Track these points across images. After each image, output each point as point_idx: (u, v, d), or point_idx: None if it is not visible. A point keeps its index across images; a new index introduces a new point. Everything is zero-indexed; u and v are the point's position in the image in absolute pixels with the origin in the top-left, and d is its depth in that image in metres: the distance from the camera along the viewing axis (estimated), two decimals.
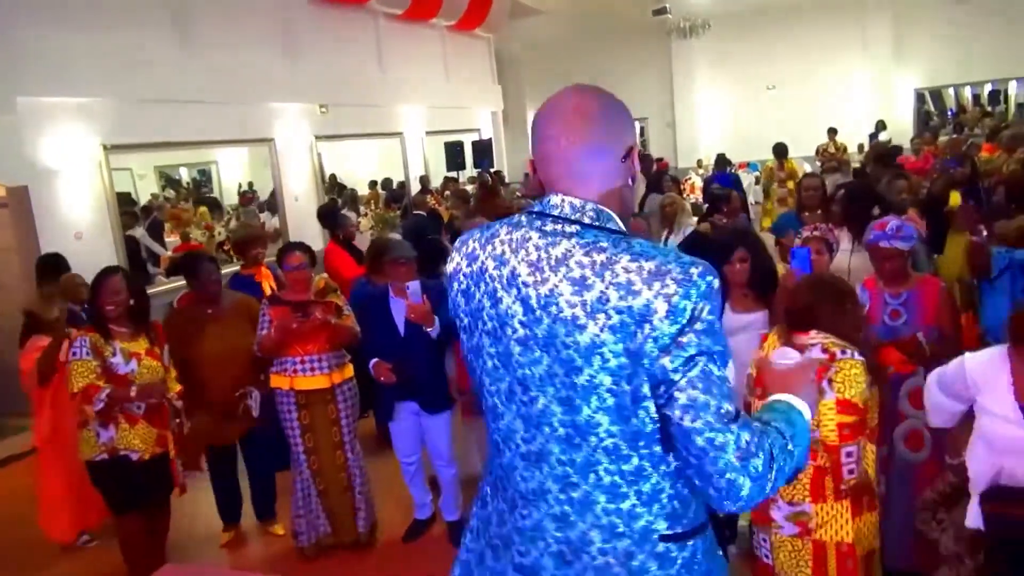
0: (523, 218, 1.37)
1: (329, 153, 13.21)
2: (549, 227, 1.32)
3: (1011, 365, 2.28)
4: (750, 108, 16.56)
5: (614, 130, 1.35)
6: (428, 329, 3.60)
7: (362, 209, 10.57)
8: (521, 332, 1.30)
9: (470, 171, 13.00)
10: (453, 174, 12.25)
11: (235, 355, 3.90)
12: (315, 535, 3.94)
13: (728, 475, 1.20)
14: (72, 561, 4.24)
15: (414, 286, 3.53)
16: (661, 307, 1.19)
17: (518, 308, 1.30)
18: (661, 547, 1.32)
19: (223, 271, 4.49)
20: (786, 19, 15.79)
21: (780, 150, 10.07)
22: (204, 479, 4.26)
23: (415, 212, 7.95)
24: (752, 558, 2.72)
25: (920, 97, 16.28)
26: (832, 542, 2.46)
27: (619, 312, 1.20)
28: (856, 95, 15.75)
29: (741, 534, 3.40)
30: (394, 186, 12.06)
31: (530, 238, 1.32)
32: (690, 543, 1.35)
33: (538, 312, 1.27)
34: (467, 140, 13.24)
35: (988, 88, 16.79)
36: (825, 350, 2.43)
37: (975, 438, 2.41)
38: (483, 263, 1.37)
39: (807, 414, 1.40)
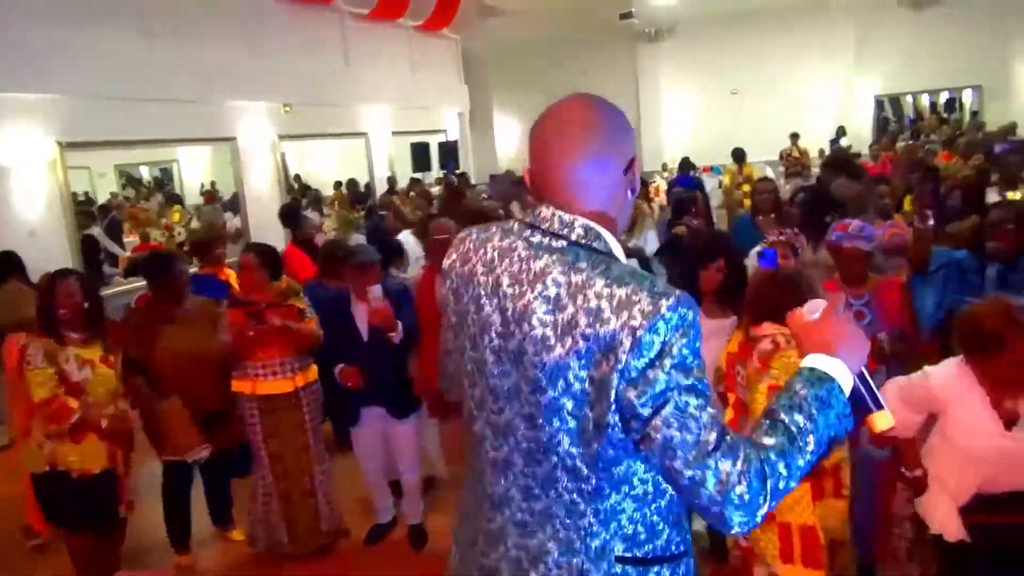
0: (515, 225, 1.36)
1: (293, 153, 13.10)
2: (535, 239, 1.30)
3: (977, 377, 2.30)
4: (714, 113, 16.76)
5: (616, 142, 1.31)
6: (391, 334, 3.56)
7: (325, 210, 10.48)
8: (496, 342, 1.30)
9: (436, 172, 12.96)
10: (419, 175, 12.20)
11: (200, 356, 3.79)
12: (270, 541, 3.87)
13: (713, 508, 1.15)
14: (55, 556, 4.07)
15: (376, 291, 3.48)
16: (626, 340, 1.15)
17: (496, 318, 1.30)
18: (618, 568, 1.28)
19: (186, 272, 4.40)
20: (749, 25, 16.00)
21: (739, 154, 10.39)
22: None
23: (380, 213, 7.90)
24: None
25: (879, 104, 16.62)
26: (796, 524, 2.49)
27: (585, 339, 1.18)
28: (817, 101, 16.02)
29: None
30: (360, 187, 11.97)
31: (516, 248, 1.31)
32: (654, 569, 1.31)
33: (511, 326, 1.27)
34: (433, 141, 13.21)
35: (944, 96, 17.19)
36: (774, 341, 2.47)
37: (943, 450, 2.43)
38: (474, 266, 1.36)
39: (846, 376, 1.27)
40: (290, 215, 6.65)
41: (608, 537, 1.28)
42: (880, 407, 1.31)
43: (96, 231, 7.76)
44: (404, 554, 3.95)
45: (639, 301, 1.16)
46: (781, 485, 1.18)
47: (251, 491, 3.91)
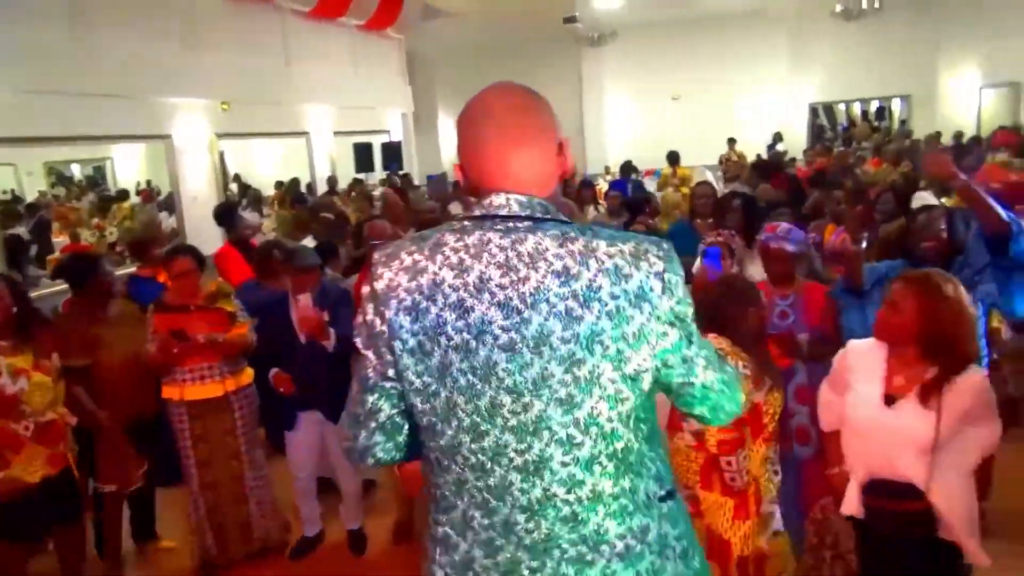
0: (467, 224, 1.29)
1: (234, 152, 12.84)
2: (502, 226, 1.27)
3: (886, 354, 2.39)
4: (656, 117, 17.01)
5: (548, 124, 1.33)
6: (324, 343, 3.47)
7: (265, 210, 10.29)
8: (504, 338, 1.23)
9: (380, 173, 12.85)
10: (362, 176, 12.08)
11: (131, 363, 3.65)
12: (201, 550, 3.75)
13: (741, 397, 1.40)
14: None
15: (304, 299, 3.40)
16: (656, 285, 1.24)
17: (496, 314, 1.23)
18: (664, 507, 1.35)
19: (116, 273, 4.23)
20: (690, 32, 16.30)
21: (673, 157, 10.76)
22: None
23: (321, 214, 7.77)
24: None
25: (814, 111, 17.12)
26: (715, 532, 2.55)
27: (614, 297, 1.21)
28: (755, 107, 16.40)
29: None
30: (302, 187, 11.78)
31: (489, 240, 1.26)
32: (679, 496, 1.42)
33: (525, 312, 1.22)
34: (376, 142, 13.09)
35: (875, 105, 17.82)
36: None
37: (845, 424, 2.52)
38: (436, 274, 1.26)
39: None
40: (225, 214, 6.47)
41: (645, 484, 1.34)
42: None
43: (20, 230, 7.45)
44: (343, 559, 3.90)
45: (649, 248, 1.26)
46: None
47: (184, 502, 3.79)
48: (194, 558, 3.79)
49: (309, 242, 5.68)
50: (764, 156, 13.30)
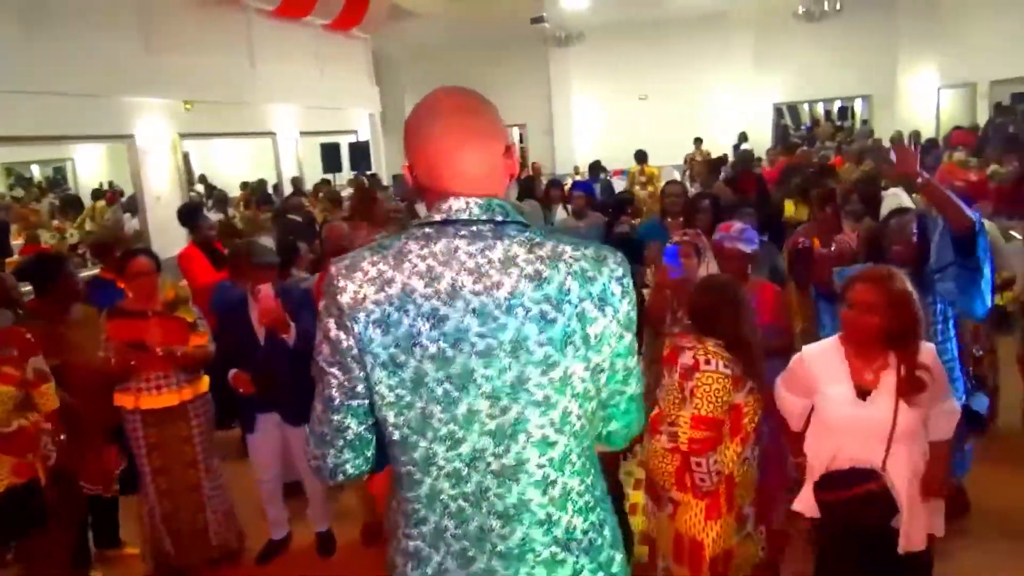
0: (429, 230, 1.28)
1: (199, 152, 12.65)
2: (466, 232, 1.26)
3: (845, 352, 2.45)
4: (624, 117, 17.11)
5: (493, 127, 1.34)
6: (284, 336, 3.45)
7: (231, 211, 10.15)
8: (481, 344, 1.23)
9: (347, 173, 12.76)
10: (329, 176, 11.98)
11: (93, 368, 3.53)
12: (158, 558, 3.67)
13: (640, 422, 1.46)
14: None
15: (265, 289, 3.36)
16: (616, 288, 1.29)
17: (471, 321, 1.23)
18: (607, 503, 1.42)
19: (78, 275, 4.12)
20: (656, 33, 16.41)
21: (640, 156, 11.03)
22: None
23: (287, 216, 7.69)
24: None
25: (779, 111, 17.35)
26: (687, 535, 2.57)
27: (582, 300, 1.25)
28: (721, 107, 16.58)
29: None
30: (269, 188, 11.65)
31: (457, 247, 1.25)
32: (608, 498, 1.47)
33: (502, 318, 1.23)
34: (344, 142, 13.00)
35: (838, 105, 18.11)
36: (694, 358, 2.52)
37: (812, 425, 2.57)
38: (405, 284, 1.24)
39: None
40: (190, 214, 6.34)
41: (599, 479, 1.41)
42: None
43: None
44: (312, 561, 3.86)
45: (608, 254, 1.31)
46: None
47: (138, 510, 3.70)
48: (147, 564, 3.71)
49: (268, 242, 5.62)
50: (731, 156, 13.45)
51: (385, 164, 14.83)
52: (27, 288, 3.84)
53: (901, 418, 2.31)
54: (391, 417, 1.28)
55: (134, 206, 8.96)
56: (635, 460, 3.20)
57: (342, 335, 1.26)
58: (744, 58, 16.44)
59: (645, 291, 3.77)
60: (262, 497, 3.88)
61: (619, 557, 1.41)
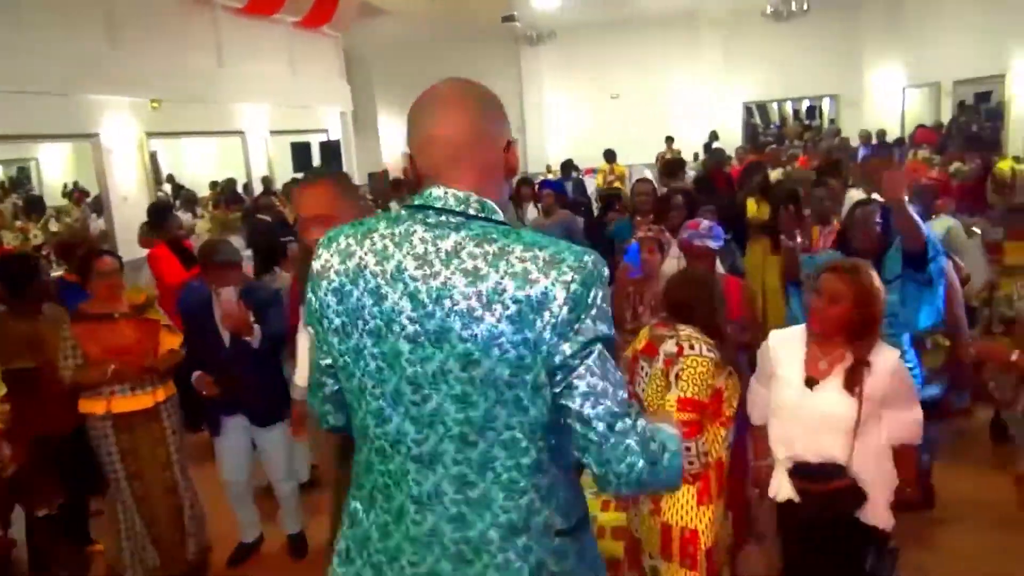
0: (403, 212, 1.32)
1: (167, 152, 12.47)
2: (433, 219, 1.28)
3: (807, 340, 2.51)
4: (596, 116, 17.18)
5: (498, 120, 1.36)
6: (247, 339, 3.40)
7: (199, 211, 10.02)
8: (410, 328, 1.25)
9: None
10: (300, 176, 11.86)
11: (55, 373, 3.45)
12: (140, 568, 3.58)
13: (629, 459, 1.24)
14: None
15: (226, 292, 3.32)
16: (559, 294, 1.20)
17: (405, 304, 1.25)
18: (557, 541, 1.33)
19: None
20: (627, 32, 16.50)
21: (609, 155, 11.29)
22: None
23: (257, 215, 7.60)
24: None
25: (748, 110, 17.53)
26: (677, 526, 2.57)
27: (516, 302, 1.20)
28: (691, 107, 16.71)
29: None
30: (239, 187, 11.52)
31: (415, 231, 1.27)
32: (580, 535, 1.38)
33: (430, 306, 1.23)
34: (315, 141, 12.90)
35: (806, 104, 18.34)
36: (678, 344, 2.56)
37: (771, 411, 2.60)
38: (361, 259, 1.29)
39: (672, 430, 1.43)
40: (160, 213, 6.23)
41: (549, 512, 1.31)
42: None
43: None
44: (284, 563, 3.83)
45: (565, 259, 1.22)
46: (670, 468, 1.31)
47: (109, 519, 3.62)
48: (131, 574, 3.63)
49: (237, 241, 5.56)
50: (702, 154, 13.55)
51: (356, 163, 14.73)
52: None
53: (851, 411, 2.35)
54: (342, 380, 1.38)
55: (99, 206, 8.80)
56: None
57: (312, 299, 1.37)
58: (714, 57, 16.60)
59: None
60: (231, 500, 3.84)
61: None
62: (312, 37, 13.06)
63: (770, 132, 17.79)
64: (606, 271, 1.27)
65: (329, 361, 1.40)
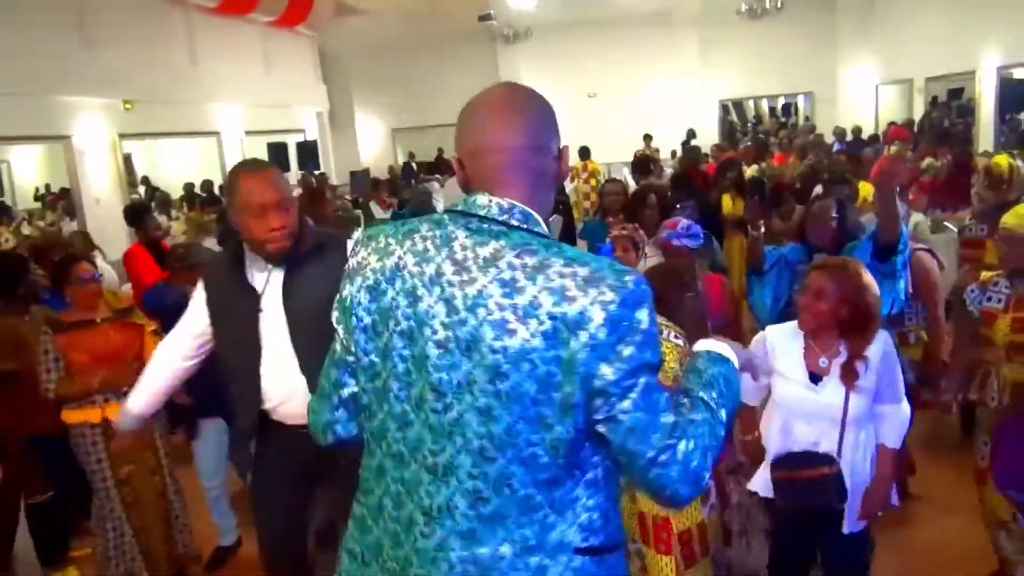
0: (446, 216, 1.29)
1: (143, 154, 12.34)
2: (475, 226, 1.25)
3: (804, 335, 2.53)
4: (573, 114, 17.14)
5: (552, 128, 1.36)
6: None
7: (174, 213, 9.93)
8: (441, 334, 1.21)
9: (296, 173, 12.60)
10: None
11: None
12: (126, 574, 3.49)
13: (671, 488, 1.22)
14: None
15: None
16: (598, 315, 1.15)
17: (440, 308, 1.21)
18: (577, 561, 1.26)
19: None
20: (603, 31, 16.55)
21: (583, 152, 11.31)
22: None
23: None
24: None
25: (725, 108, 17.66)
26: (649, 514, 2.59)
27: (552, 318, 1.15)
28: (669, 105, 16.79)
29: None
30: (214, 189, 11.41)
31: (456, 236, 1.24)
32: (609, 558, 1.31)
33: (463, 313, 1.19)
34: (291, 141, 12.83)
35: (782, 101, 18.51)
36: None
37: (770, 405, 2.63)
38: (400, 259, 1.27)
39: (732, 356, 1.45)
40: (136, 214, 6.13)
41: (566, 528, 1.25)
42: None
43: None
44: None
45: (605, 277, 1.17)
46: (711, 455, 1.27)
47: (96, 526, 3.51)
48: None
49: (212, 244, 5.52)
50: (679, 152, 13.63)
51: (334, 163, 14.68)
52: None
53: (851, 405, 2.39)
54: (363, 381, 1.34)
55: (72, 209, 8.71)
56: None
57: (347, 295, 1.34)
58: (690, 56, 16.70)
59: None
60: (209, 503, 3.81)
61: None
62: (287, 36, 12.99)
63: (748, 129, 17.92)
64: (650, 291, 1.22)
65: (352, 359, 1.35)
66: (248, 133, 11.92)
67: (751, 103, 18.73)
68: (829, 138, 13.31)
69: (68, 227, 8.72)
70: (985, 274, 3.07)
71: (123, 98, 8.87)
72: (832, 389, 2.42)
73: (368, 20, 13.89)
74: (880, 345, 2.43)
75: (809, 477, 2.43)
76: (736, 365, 1.44)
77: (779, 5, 14.23)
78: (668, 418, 1.22)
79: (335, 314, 1.37)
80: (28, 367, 3.34)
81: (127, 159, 9.54)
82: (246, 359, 2.29)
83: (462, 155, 1.33)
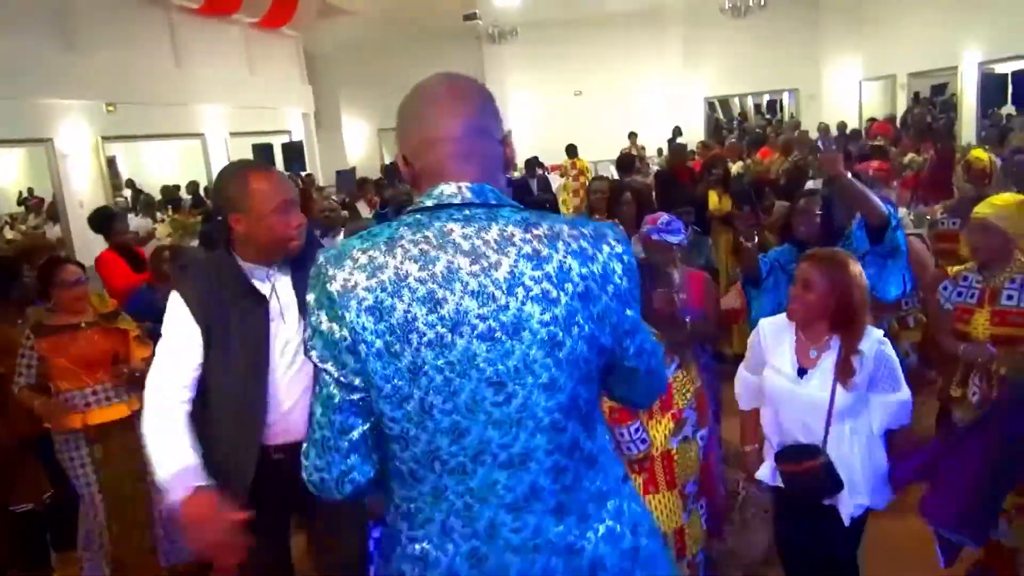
0: (420, 216, 1.23)
1: (127, 156, 12.24)
2: (461, 214, 1.22)
3: (794, 328, 2.53)
4: (560, 113, 17.21)
5: (493, 113, 1.34)
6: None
7: (159, 215, 9.87)
8: (482, 327, 1.17)
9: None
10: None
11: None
12: None
13: (661, 388, 1.49)
14: None
15: None
16: (617, 266, 1.25)
17: (471, 303, 1.17)
18: (626, 488, 1.37)
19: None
20: (589, 29, 16.57)
21: (571, 150, 11.45)
22: None
23: (219, 218, 7.50)
24: None
25: (711, 105, 17.72)
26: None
27: (584, 279, 1.21)
28: (655, 102, 16.85)
29: None
30: (200, 191, 11.35)
31: (451, 230, 1.20)
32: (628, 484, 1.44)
33: (502, 299, 1.17)
34: (277, 142, 12.78)
35: (767, 98, 18.60)
36: None
37: (764, 398, 2.64)
38: (397, 269, 1.17)
39: None
40: (102, 220, 5.91)
41: (613, 463, 1.37)
42: None
43: None
44: None
45: (607, 232, 1.28)
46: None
47: (82, 543, 3.45)
48: None
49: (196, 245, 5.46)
50: (665, 150, 13.66)
51: (320, 163, 14.62)
52: None
53: (837, 399, 2.39)
54: (388, 411, 1.21)
55: (54, 213, 8.64)
56: None
57: (335, 326, 1.20)
58: (675, 53, 16.77)
59: None
60: None
61: (646, 543, 1.34)
62: (271, 37, 12.93)
63: (758, 126, 17.94)
64: None
65: (360, 395, 1.23)
66: (233, 135, 11.86)
67: (736, 100, 18.80)
68: (814, 134, 13.39)
69: (51, 231, 8.65)
70: (954, 268, 3.08)
71: (106, 100, 8.81)
72: (817, 383, 2.43)
73: (353, 20, 13.85)
74: (874, 344, 2.42)
75: (797, 470, 2.44)
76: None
77: (763, 3, 14.25)
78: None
79: (315, 352, 1.23)
80: (9, 372, 3.29)
81: (111, 162, 9.47)
82: (251, 382, 2.10)
83: (407, 151, 1.30)
